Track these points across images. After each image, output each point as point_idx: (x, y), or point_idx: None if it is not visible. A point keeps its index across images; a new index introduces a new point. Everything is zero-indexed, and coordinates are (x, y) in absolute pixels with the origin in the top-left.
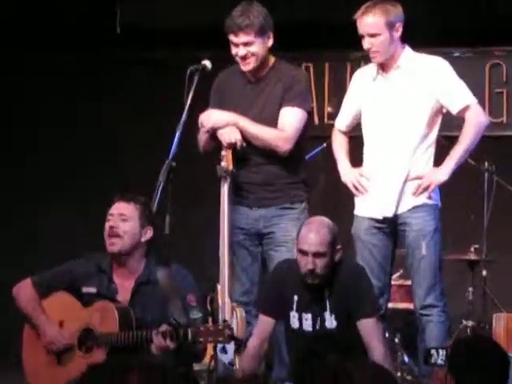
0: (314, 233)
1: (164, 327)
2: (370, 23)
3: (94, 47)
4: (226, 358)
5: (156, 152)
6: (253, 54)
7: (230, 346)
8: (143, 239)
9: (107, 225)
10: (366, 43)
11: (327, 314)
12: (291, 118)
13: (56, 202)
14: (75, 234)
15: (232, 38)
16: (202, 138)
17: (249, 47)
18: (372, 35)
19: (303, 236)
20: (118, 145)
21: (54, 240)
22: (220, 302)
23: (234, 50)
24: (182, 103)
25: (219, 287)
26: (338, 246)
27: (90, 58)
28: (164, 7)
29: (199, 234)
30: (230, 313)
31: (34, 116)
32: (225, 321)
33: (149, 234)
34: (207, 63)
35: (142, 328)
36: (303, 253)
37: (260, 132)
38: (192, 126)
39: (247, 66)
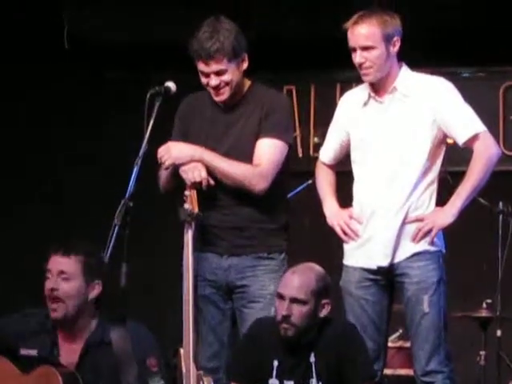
0: (297, 276)
1: None
2: (365, 34)
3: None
4: None
5: (109, 189)
6: (226, 84)
7: None
8: (91, 296)
9: (46, 285)
10: (358, 57)
11: (313, 382)
12: (268, 151)
13: None
14: None
15: (201, 66)
16: (162, 175)
17: (221, 76)
18: (365, 48)
19: (284, 278)
20: (64, 183)
21: None
22: (184, 369)
23: (203, 80)
24: (140, 132)
25: (182, 351)
26: (325, 301)
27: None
28: (117, 19)
29: (160, 287)
30: (196, 382)
31: None
32: None
33: (97, 289)
34: (171, 85)
35: None
36: (281, 297)
37: (230, 168)
38: (153, 158)
39: (221, 97)
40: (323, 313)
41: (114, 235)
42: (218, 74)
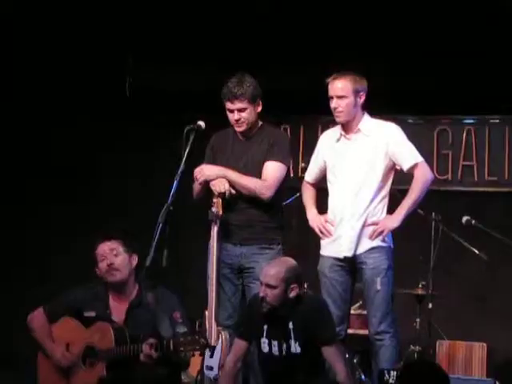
0: (271, 267)
1: (151, 340)
2: (340, 87)
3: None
4: (211, 374)
5: (158, 198)
6: (245, 119)
7: (215, 364)
8: (133, 266)
9: (103, 264)
10: (334, 103)
11: (292, 342)
12: (273, 170)
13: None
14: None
15: (228, 104)
16: (196, 188)
17: (242, 113)
18: (340, 97)
19: (263, 268)
20: (128, 194)
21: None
22: (207, 325)
23: (229, 115)
24: (180, 157)
25: (207, 313)
26: (294, 285)
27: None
28: (168, 74)
29: (192, 268)
30: (217, 335)
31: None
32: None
33: (135, 260)
34: (202, 124)
35: (137, 342)
36: (260, 283)
37: (246, 182)
38: (188, 175)
39: (240, 128)
40: (292, 294)
41: (159, 230)
42: (240, 111)
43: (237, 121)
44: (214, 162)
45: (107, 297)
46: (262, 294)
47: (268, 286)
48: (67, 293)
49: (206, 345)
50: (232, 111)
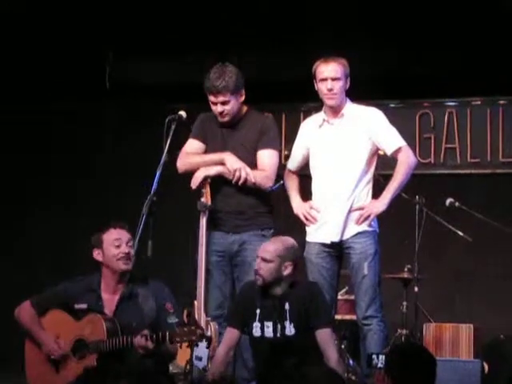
0: (270, 243)
1: (145, 331)
2: (335, 69)
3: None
4: (200, 364)
5: (139, 183)
6: (228, 111)
7: (204, 354)
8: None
9: (120, 250)
10: (329, 85)
11: (287, 323)
12: (270, 159)
13: None
14: None
15: (211, 97)
16: (191, 162)
17: (225, 106)
18: (334, 79)
19: (263, 244)
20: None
21: None
22: (197, 316)
23: (212, 107)
24: (161, 147)
25: (196, 303)
26: (288, 263)
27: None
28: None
29: (178, 258)
30: (205, 326)
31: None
32: (196, 322)
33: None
34: (183, 114)
35: (127, 334)
36: (257, 257)
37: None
38: (170, 166)
39: (224, 119)
40: (286, 272)
41: (143, 221)
42: (223, 103)
43: (220, 113)
44: (203, 140)
45: (99, 288)
46: (256, 267)
47: (263, 259)
48: (55, 286)
49: (202, 335)
50: (215, 104)
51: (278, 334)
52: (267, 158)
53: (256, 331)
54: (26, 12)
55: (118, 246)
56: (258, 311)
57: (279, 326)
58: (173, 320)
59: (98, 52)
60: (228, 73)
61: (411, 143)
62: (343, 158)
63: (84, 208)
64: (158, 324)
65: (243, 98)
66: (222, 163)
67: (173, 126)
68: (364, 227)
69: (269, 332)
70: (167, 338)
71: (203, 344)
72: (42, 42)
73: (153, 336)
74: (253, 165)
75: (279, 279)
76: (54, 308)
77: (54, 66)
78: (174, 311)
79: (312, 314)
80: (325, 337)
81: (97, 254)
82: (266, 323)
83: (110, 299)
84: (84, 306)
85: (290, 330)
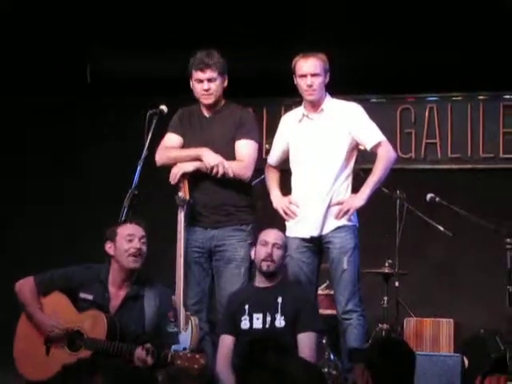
0: (275, 230)
1: (148, 345)
2: (314, 64)
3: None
4: (178, 347)
5: (121, 178)
6: (214, 90)
7: (182, 336)
8: None
9: (132, 245)
10: (308, 81)
11: (278, 315)
12: (248, 149)
13: None
14: None
15: (198, 74)
16: (171, 156)
17: (211, 83)
18: (314, 75)
19: (266, 231)
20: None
21: None
22: (176, 311)
23: (197, 86)
24: (142, 140)
25: (174, 298)
26: (286, 253)
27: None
28: (129, 60)
29: (157, 253)
30: (185, 320)
31: None
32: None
33: None
34: (164, 108)
35: (124, 337)
36: (265, 243)
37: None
38: (152, 160)
39: (207, 100)
40: (284, 260)
41: (124, 214)
42: (210, 81)
43: (206, 90)
44: (182, 133)
45: (107, 280)
46: (269, 251)
47: (275, 245)
48: (62, 268)
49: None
50: (202, 81)
51: (267, 325)
52: (245, 148)
53: (245, 324)
54: (8, 7)
55: (131, 241)
56: (246, 307)
57: (269, 318)
58: (173, 329)
59: (79, 46)
60: (216, 54)
61: (392, 138)
62: (323, 153)
63: (66, 206)
64: (157, 330)
65: (226, 84)
66: (199, 159)
67: (154, 120)
68: (344, 222)
69: (258, 323)
70: (169, 358)
71: (186, 338)
72: (23, 37)
73: (154, 352)
74: (232, 156)
75: (280, 267)
76: (57, 291)
77: (35, 60)
78: (174, 320)
79: (303, 314)
80: (308, 341)
81: (109, 248)
82: (255, 315)
83: (116, 294)
84: (90, 296)
85: (279, 322)
